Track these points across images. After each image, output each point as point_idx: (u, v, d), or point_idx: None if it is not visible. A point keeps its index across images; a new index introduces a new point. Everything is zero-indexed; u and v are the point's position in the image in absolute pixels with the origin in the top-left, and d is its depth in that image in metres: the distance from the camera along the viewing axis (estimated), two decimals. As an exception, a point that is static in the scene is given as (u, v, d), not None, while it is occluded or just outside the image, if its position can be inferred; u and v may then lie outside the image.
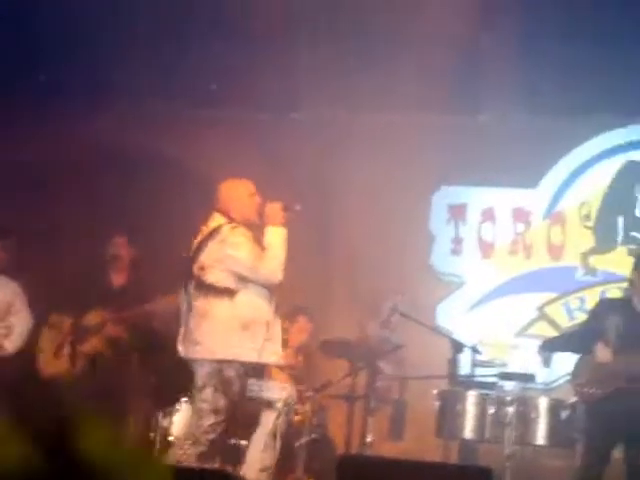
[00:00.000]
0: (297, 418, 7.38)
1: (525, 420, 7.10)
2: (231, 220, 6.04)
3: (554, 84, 9.09)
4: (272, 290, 6.04)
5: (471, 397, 7.30)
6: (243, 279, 5.90)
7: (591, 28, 8.48)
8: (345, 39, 8.88)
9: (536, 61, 8.93)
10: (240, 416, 6.34)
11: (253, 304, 5.92)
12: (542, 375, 8.15)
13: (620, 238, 9.45)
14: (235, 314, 5.87)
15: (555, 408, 7.12)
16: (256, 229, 6.11)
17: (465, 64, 9.00)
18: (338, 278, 9.54)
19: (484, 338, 9.34)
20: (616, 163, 9.52)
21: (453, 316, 9.48)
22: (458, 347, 7.52)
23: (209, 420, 5.95)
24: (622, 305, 7.03)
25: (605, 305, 7.27)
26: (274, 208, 5.99)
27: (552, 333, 8.97)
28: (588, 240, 9.51)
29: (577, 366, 7.01)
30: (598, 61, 8.77)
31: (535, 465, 7.83)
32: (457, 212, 9.72)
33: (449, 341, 7.69)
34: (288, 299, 6.87)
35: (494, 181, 9.59)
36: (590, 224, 9.55)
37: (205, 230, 6.09)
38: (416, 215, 9.58)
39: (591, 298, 8.94)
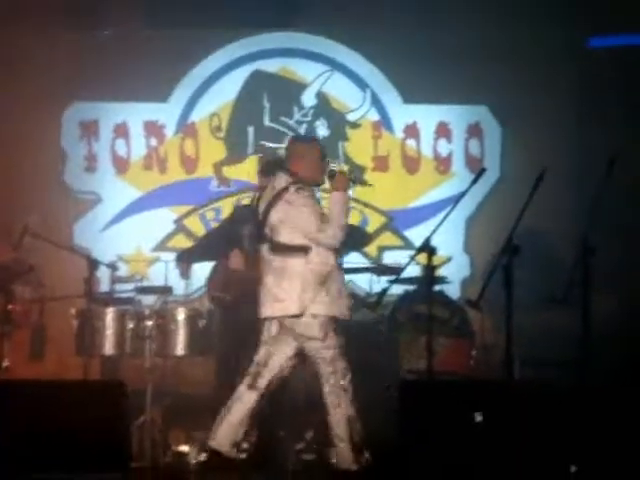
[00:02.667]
0: None
1: (164, 332, 7.09)
2: (297, 181, 6.17)
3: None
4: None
5: (110, 313, 7.23)
6: (309, 239, 6.11)
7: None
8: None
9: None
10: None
11: (326, 260, 6.11)
12: (182, 287, 8.18)
13: (251, 147, 9.66)
14: (311, 269, 6.06)
15: (193, 318, 7.18)
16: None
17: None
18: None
19: (124, 254, 9.35)
20: (244, 73, 9.68)
21: (91, 234, 9.42)
22: (94, 265, 7.43)
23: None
24: (254, 212, 7.14)
25: (238, 213, 7.37)
26: (341, 174, 6.30)
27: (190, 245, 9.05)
28: (220, 151, 9.66)
29: (212, 273, 7.10)
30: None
31: (176, 375, 7.94)
32: (89, 128, 9.59)
33: (86, 259, 7.58)
34: None
35: (126, 96, 9.53)
36: (221, 135, 9.70)
37: (269, 192, 6.25)
38: (47, 133, 9.37)
39: (226, 208, 9.14)
